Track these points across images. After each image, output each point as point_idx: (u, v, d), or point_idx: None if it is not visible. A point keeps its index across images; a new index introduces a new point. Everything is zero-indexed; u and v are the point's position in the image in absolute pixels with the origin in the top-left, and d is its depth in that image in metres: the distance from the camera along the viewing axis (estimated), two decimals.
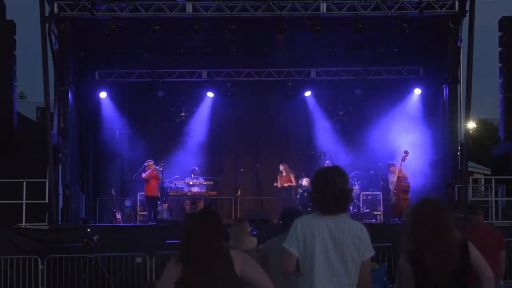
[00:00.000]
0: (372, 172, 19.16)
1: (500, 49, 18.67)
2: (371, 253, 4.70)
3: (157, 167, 18.34)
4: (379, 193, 18.69)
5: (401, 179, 18.11)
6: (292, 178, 18.79)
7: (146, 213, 18.85)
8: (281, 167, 18.83)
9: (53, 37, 16.93)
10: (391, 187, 18.29)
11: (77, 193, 18.32)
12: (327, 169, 4.90)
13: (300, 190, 18.67)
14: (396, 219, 17.30)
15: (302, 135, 20.80)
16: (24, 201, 15.86)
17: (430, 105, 19.49)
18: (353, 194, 4.84)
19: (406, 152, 18.26)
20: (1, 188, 16.05)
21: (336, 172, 4.75)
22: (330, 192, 4.65)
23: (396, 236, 10.19)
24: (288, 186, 18.77)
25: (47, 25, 16.67)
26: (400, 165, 18.18)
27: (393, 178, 18.21)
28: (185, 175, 19.48)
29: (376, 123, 20.40)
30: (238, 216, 17.14)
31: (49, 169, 16.21)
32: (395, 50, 18.60)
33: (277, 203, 19.01)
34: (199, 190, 18.93)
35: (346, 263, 4.60)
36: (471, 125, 36.24)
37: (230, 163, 20.64)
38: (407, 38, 17.89)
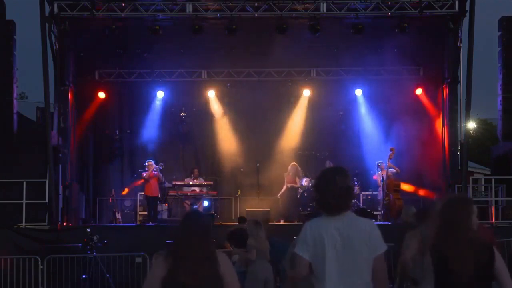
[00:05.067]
0: (372, 172, 19.15)
1: (499, 49, 18.67)
2: (383, 247, 4.69)
3: (157, 167, 18.35)
4: (379, 193, 18.65)
5: (391, 178, 18.01)
6: (296, 180, 18.78)
7: (146, 213, 18.84)
8: (290, 167, 18.89)
9: (53, 37, 16.92)
10: (380, 184, 18.19)
11: (77, 193, 18.32)
12: (328, 170, 4.93)
13: (300, 190, 18.68)
14: (392, 222, 17.02)
15: (302, 135, 20.78)
16: (24, 201, 15.89)
17: (430, 105, 19.48)
18: (354, 191, 4.89)
19: (392, 150, 18.15)
20: (1, 188, 16.07)
21: (337, 173, 4.78)
22: (332, 193, 4.68)
23: (397, 236, 10.18)
24: (291, 186, 18.78)
25: (47, 25, 16.67)
26: (387, 164, 18.08)
27: (383, 175, 18.09)
28: (185, 175, 19.49)
29: (376, 123, 20.42)
30: (239, 216, 17.07)
31: (49, 169, 16.21)
32: (395, 50, 18.58)
33: (283, 203, 18.95)
34: (199, 190, 18.93)
35: (357, 262, 4.61)
36: (471, 125, 36.23)
37: (230, 163, 20.63)
38: (407, 38, 17.88)
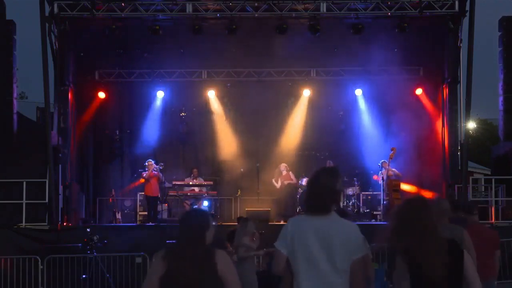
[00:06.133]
0: (372, 172, 19.15)
1: (500, 49, 18.67)
2: (362, 252, 4.73)
3: (157, 167, 18.35)
4: (379, 193, 18.68)
5: (390, 178, 18.02)
6: (292, 176, 18.86)
7: (146, 213, 18.85)
8: (281, 167, 18.96)
9: (53, 37, 16.93)
10: (382, 183, 18.23)
11: (77, 193, 18.32)
12: (318, 170, 4.96)
13: (300, 190, 18.68)
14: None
15: (302, 135, 20.80)
16: (24, 201, 15.89)
17: (430, 105, 19.48)
18: (339, 195, 4.85)
19: (393, 149, 18.16)
20: (1, 188, 16.08)
21: (325, 172, 4.84)
22: (314, 192, 4.76)
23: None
24: (288, 183, 18.83)
25: (47, 25, 16.67)
26: (388, 163, 18.11)
27: (383, 175, 18.13)
28: (185, 175, 19.49)
29: (376, 123, 20.42)
30: (238, 216, 17.14)
31: (49, 169, 16.21)
32: (395, 50, 18.58)
33: (280, 201, 19.01)
34: (199, 190, 18.94)
35: (334, 262, 4.63)
36: (471, 125, 36.23)
37: (230, 163, 20.64)
38: (407, 38, 17.88)
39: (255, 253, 10.34)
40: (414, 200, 4.95)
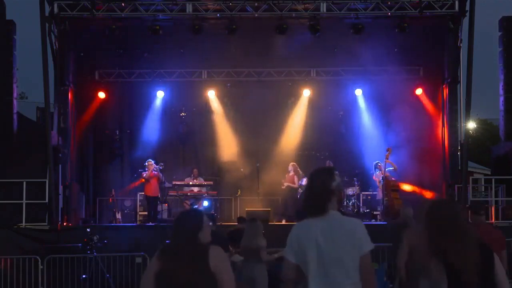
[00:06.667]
0: (372, 172, 19.14)
1: (500, 49, 18.67)
2: (369, 247, 4.60)
3: (157, 167, 18.34)
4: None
5: (387, 178, 18.01)
6: (295, 179, 18.82)
7: (146, 213, 18.84)
8: (289, 166, 18.97)
9: (53, 37, 16.93)
10: (379, 185, 18.24)
11: (77, 193, 18.32)
12: (315, 170, 4.92)
13: (300, 191, 18.68)
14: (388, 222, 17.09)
15: (302, 135, 20.80)
16: (24, 201, 15.89)
17: (430, 105, 19.48)
18: (337, 195, 4.80)
19: (388, 150, 18.16)
20: (1, 188, 16.08)
21: (320, 173, 4.80)
22: (311, 193, 4.74)
23: (392, 236, 10.19)
24: (287, 185, 18.83)
25: (47, 25, 16.68)
26: (385, 164, 18.09)
27: (378, 177, 18.15)
28: (185, 175, 19.48)
29: (376, 123, 20.42)
30: (239, 216, 17.10)
31: (49, 169, 16.21)
32: (395, 50, 18.58)
33: (280, 201, 19.05)
34: (199, 190, 18.94)
35: (342, 262, 4.54)
36: (471, 125, 36.23)
37: (230, 163, 20.64)
38: (407, 38, 17.88)
39: (278, 254, 10.10)
40: (444, 202, 4.88)
